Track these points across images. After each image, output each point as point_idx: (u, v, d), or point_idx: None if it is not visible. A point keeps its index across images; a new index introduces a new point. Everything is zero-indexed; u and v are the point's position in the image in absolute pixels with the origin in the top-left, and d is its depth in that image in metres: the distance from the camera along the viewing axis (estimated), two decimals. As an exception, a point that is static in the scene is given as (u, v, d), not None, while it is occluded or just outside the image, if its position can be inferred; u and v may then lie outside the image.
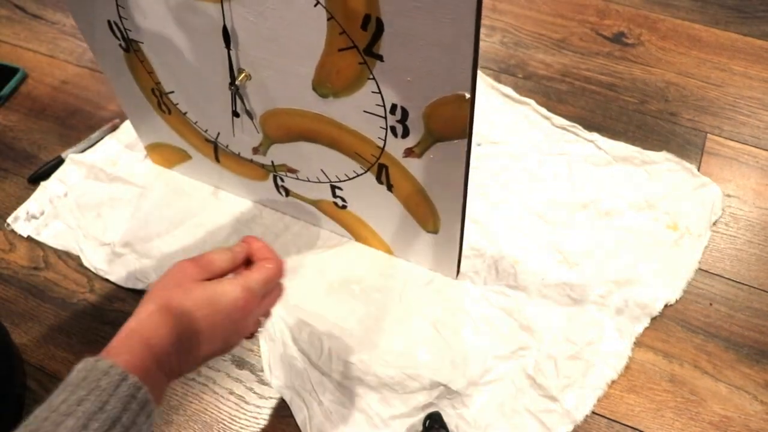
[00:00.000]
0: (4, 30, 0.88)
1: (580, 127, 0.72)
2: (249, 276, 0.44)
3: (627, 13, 0.86)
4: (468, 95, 0.40)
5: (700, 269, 0.62)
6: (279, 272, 0.46)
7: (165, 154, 0.69)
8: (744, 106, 0.76)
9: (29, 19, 0.89)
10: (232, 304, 0.42)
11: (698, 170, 0.69)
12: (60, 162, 0.72)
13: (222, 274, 0.44)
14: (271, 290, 0.46)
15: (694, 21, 0.85)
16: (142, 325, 0.40)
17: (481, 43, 0.83)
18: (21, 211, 0.68)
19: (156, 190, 0.70)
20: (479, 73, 0.78)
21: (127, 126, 0.75)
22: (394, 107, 0.44)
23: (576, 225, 0.65)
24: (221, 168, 0.65)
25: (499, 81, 0.78)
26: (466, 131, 0.43)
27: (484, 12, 0.87)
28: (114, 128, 0.75)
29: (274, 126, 0.54)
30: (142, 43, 0.53)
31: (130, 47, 0.54)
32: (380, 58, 0.41)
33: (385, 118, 0.46)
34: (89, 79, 0.81)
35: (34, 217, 0.68)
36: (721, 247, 0.64)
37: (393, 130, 0.47)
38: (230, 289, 0.42)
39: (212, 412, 0.56)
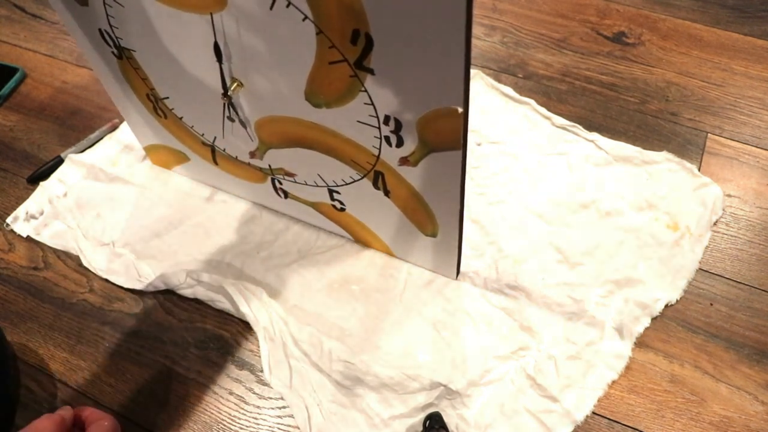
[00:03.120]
0: (4, 30, 0.88)
1: (580, 127, 0.72)
2: None
3: (627, 12, 0.86)
4: (461, 109, 0.40)
5: (700, 269, 0.62)
6: (116, 428, 0.48)
7: (163, 156, 0.69)
8: (745, 106, 0.76)
9: (29, 19, 0.89)
10: None
11: (699, 170, 0.69)
12: (59, 162, 0.72)
13: None
14: None
15: (694, 21, 0.85)
16: None
17: (482, 43, 0.83)
18: (20, 211, 0.68)
19: (155, 190, 0.70)
20: (480, 72, 0.78)
21: (126, 126, 0.75)
22: (387, 118, 0.44)
23: (576, 225, 0.65)
24: (219, 170, 0.65)
25: (499, 81, 0.78)
26: (460, 142, 0.43)
27: (484, 12, 0.87)
28: (113, 128, 0.75)
29: (269, 133, 0.53)
30: (135, 51, 0.52)
31: (123, 55, 0.54)
32: (371, 71, 0.40)
33: (379, 128, 0.46)
34: (89, 79, 0.81)
35: (33, 217, 0.68)
36: (722, 247, 0.64)
37: (387, 139, 0.46)
38: None
39: (212, 412, 0.55)
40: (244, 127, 0.54)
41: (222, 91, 0.49)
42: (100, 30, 0.52)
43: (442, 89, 0.39)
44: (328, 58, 0.41)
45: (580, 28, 0.85)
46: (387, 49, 0.38)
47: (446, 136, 0.43)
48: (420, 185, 0.50)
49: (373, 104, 0.43)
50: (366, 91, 0.42)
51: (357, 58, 0.40)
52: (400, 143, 0.46)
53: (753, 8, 0.86)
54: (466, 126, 0.41)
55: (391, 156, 0.48)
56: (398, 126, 0.44)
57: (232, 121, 0.54)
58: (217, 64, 0.48)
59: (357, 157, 0.50)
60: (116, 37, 0.52)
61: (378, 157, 0.49)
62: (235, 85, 0.49)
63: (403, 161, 0.48)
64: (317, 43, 0.40)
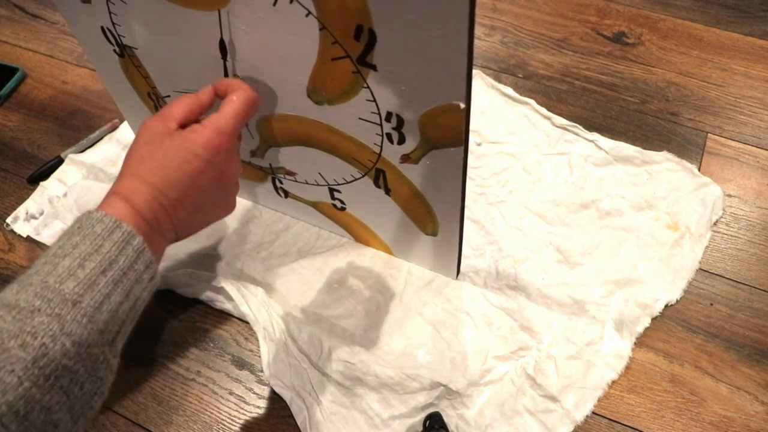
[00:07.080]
0: (4, 30, 0.88)
1: (580, 127, 0.72)
2: (216, 116, 0.43)
3: (628, 12, 0.86)
4: (463, 105, 0.40)
5: (700, 269, 0.62)
6: (247, 102, 0.44)
7: (164, 154, 0.69)
8: (745, 106, 0.76)
9: (29, 19, 0.89)
10: (206, 147, 0.41)
11: (699, 170, 0.69)
12: (59, 162, 0.72)
13: (190, 120, 0.43)
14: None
15: (695, 21, 0.85)
16: (121, 187, 0.39)
17: (482, 43, 0.83)
18: (20, 211, 0.68)
19: (156, 190, 0.70)
20: (480, 72, 0.78)
21: (126, 126, 0.75)
22: (389, 115, 0.44)
23: (576, 225, 0.65)
24: (221, 168, 0.65)
25: (499, 81, 0.78)
26: (461, 139, 0.43)
27: (484, 12, 0.87)
28: (113, 128, 0.75)
29: (270, 131, 0.53)
30: (137, 49, 0.52)
31: (125, 53, 0.54)
32: (374, 67, 0.40)
33: (381, 125, 0.46)
34: (89, 79, 0.81)
35: (33, 217, 0.68)
36: (722, 247, 0.64)
37: (389, 137, 0.46)
38: (199, 133, 0.41)
39: (212, 412, 0.55)
40: (245, 125, 0.54)
41: None
42: (102, 28, 0.52)
43: (444, 85, 0.39)
44: (331, 54, 0.41)
45: (580, 28, 0.85)
46: (390, 44, 0.38)
47: (448, 132, 0.43)
48: (421, 183, 0.50)
49: (375, 101, 0.43)
50: (368, 87, 0.42)
51: (360, 54, 0.40)
52: (401, 140, 0.46)
53: (753, 8, 0.86)
54: (467, 122, 0.41)
55: (392, 153, 0.48)
56: (400, 123, 0.44)
57: None
58: (219, 62, 0.48)
59: (358, 154, 0.50)
60: (118, 35, 0.52)
61: (379, 154, 0.49)
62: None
63: (405, 159, 0.48)
64: (320, 39, 0.40)
